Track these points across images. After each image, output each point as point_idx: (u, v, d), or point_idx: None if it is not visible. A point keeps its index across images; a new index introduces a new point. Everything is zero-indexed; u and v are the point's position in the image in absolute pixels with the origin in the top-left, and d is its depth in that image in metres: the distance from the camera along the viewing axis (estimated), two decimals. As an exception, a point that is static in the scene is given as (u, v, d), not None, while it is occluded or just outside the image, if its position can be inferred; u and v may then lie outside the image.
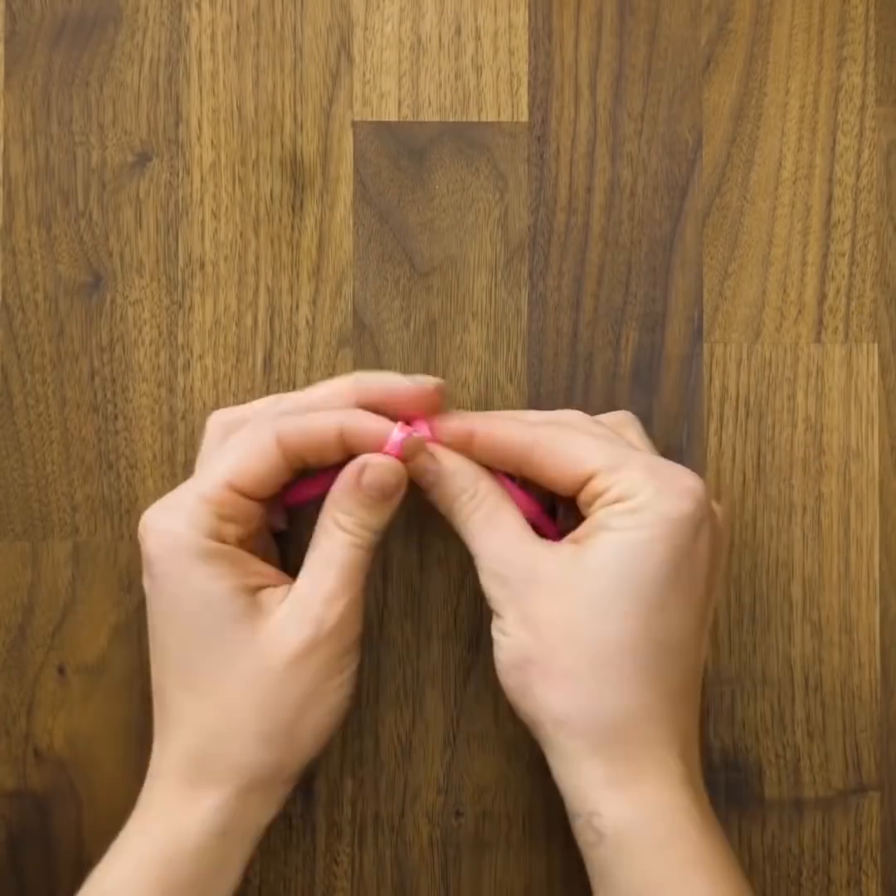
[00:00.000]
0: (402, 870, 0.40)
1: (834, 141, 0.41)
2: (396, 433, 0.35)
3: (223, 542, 0.34)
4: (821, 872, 0.40)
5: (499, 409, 0.40)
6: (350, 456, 0.35)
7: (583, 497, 0.35)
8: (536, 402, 0.40)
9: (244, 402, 0.40)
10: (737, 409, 0.41)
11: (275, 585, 0.35)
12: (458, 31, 0.41)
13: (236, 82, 0.40)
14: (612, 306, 0.41)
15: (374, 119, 0.41)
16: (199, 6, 0.41)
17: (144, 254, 0.40)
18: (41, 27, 0.40)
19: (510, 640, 0.34)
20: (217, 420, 0.37)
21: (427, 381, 0.35)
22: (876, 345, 0.41)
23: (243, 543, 0.35)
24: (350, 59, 0.41)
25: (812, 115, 0.41)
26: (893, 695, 0.41)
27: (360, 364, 0.40)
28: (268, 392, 0.40)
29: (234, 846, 0.35)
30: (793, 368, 0.41)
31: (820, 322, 0.41)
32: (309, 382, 0.40)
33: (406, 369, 0.40)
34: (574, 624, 0.33)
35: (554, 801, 0.40)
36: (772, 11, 0.41)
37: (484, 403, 0.40)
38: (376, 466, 0.35)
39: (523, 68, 0.41)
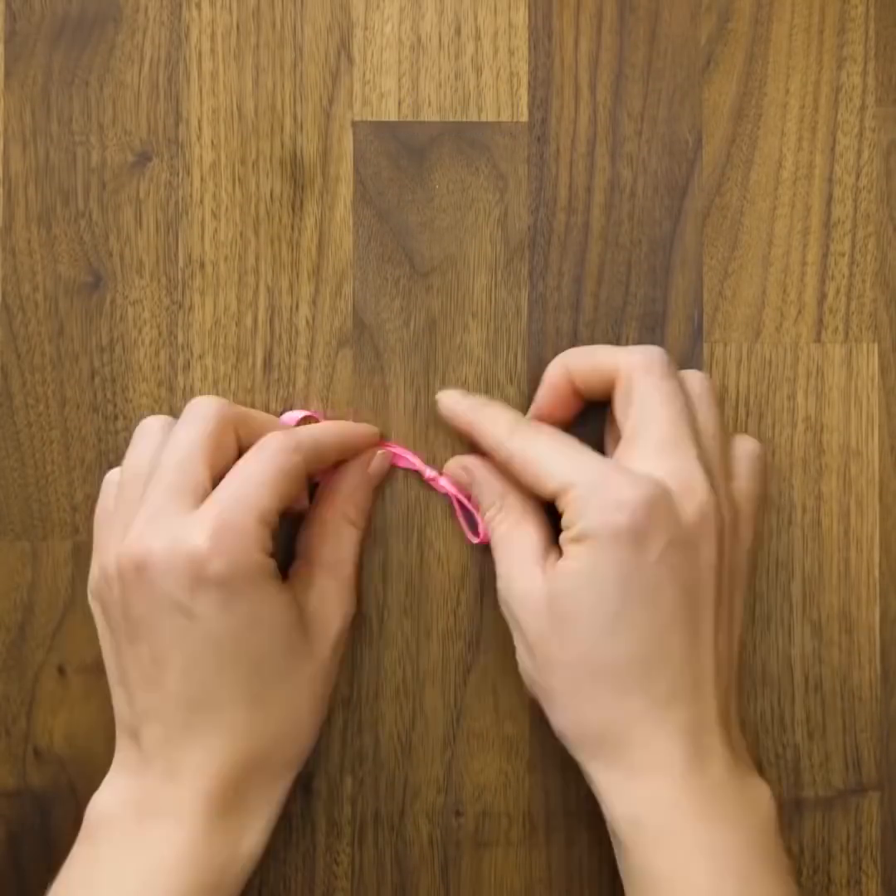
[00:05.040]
0: (402, 869, 0.40)
1: (834, 141, 0.41)
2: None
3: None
4: (821, 872, 0.40)
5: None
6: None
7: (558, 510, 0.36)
8: (536, 401, 0.40)
9: (243, 401, 0.40)
10: (737, 409, 0.41)
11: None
12: (458, 31, 0.41)
13: (236, 82, 0.40)
14: (612, 306, 0.41)
15: (374, 119, 0.41)
16: (199, 6, 0.41)
17: (144, 254, 0.40)
18: (41, 27, 0.40)
19: (521, 662, 0.37)
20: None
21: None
22: (876, 345, 0.41)
23: None
24: (350, 59, 0.41)
25: (812, 115, 0.41)
26: (893, 694, 0.41)
27: (360, 364, 0.40)
28: (268, 392, 0.40)
29: (266, 842, 0.37)
30: (793, 368, 0.41)
31: (820, 322, 0.41)
32: (309, 382, 0.40)
33: (406, 369, 0.40)
34: (551, 649, 0.35)
35: (553, 800, 0.40)
36: (772, 11, 0.41)
37: (484, 403, 0.40)
38: (383, 455, 0.40)
39: (523, 68, 0.41)
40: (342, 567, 0.38)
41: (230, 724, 0.35)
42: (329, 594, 0.38)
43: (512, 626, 0.37)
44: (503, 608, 0.37)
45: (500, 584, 0.37)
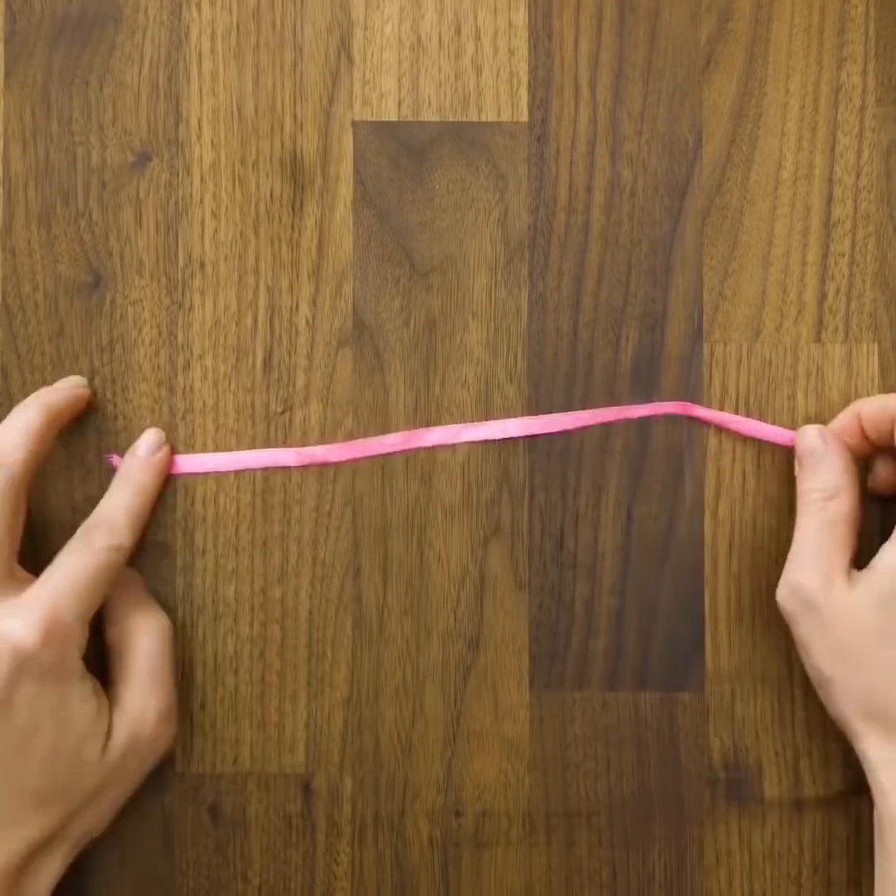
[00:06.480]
0: (402, 869, 0.40)
1: (834, 141, 0.41)
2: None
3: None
4: (821, 872, 0.40)
5: (498, 408, 0.40)
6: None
7: None
8: (536, 401, 0.40)
9: (243, 401, 0.40)
10: (737, 409, 0.41)
11: None
12: (458, 31, 0.41)
13: (236, 82, 0.40)
14: (612, 306, 0.41)
15: (374, 119, 0.41)
16: (199, 6, 0.41)
17: (144, 254, 0.40)
18: (41, 27, 0.40)
19: (812, 649, 0.37)
20: None
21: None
22: (876, 345, 0.41)
23: None
24: (350, 59, 0.41)
25: (812, 115, 0.41)
26: (893, 694, 0.41)
27: (360, 364, 0.40)
28: (268, 392, 0.40)
29: None
30: (793, 368, 0.41)
31: (820, 322, 0.41)
32: (309, 382, 0.40)
33: (406, 369, 0.40)
34: (870, 644, 0.36)
35: (553, 800, 0.40)
36: (772, 11, 0.41)
37: (484, 403, 0.40)
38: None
39: (523, 68, 0.41)
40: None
41: (12, 817, 0.35)
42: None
43: (796, 615, 0.37)
44: (787, 595, 0.37)
45: (789, 572, 0.37)
